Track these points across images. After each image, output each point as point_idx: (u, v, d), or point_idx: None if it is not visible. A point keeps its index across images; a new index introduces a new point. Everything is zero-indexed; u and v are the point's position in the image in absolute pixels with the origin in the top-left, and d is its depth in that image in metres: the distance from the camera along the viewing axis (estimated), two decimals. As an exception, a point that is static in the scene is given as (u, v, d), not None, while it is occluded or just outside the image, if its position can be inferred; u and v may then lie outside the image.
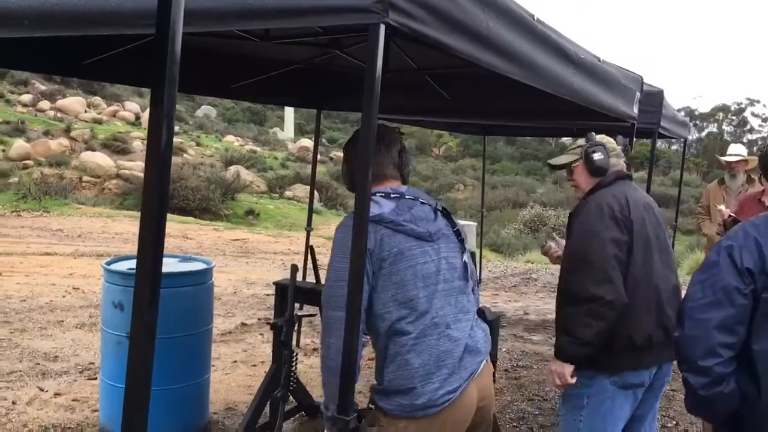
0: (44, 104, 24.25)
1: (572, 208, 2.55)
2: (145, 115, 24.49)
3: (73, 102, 24.96)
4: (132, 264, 3.56)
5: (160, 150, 1.13)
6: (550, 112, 3.59)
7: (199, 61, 3.20)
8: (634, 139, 3.70)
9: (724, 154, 5.48)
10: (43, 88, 26.20)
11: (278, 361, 3.17)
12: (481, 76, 2.76)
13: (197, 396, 3.67)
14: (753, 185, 5.14)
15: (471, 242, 9.02)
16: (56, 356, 4.88)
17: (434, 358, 1.86)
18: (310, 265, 3.86)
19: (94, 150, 20.13)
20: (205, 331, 3.68)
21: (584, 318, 2.23)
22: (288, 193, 20.76)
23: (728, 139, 43.61)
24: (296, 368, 3.12)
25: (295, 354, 3.09)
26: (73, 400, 4.06)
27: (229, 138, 28.46)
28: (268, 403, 3.31)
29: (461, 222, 2.28)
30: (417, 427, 1.85)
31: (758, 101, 52.50)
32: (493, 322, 2.53)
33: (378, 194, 1.97)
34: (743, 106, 51.39)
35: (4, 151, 18.88)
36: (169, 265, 3.62)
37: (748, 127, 51.20)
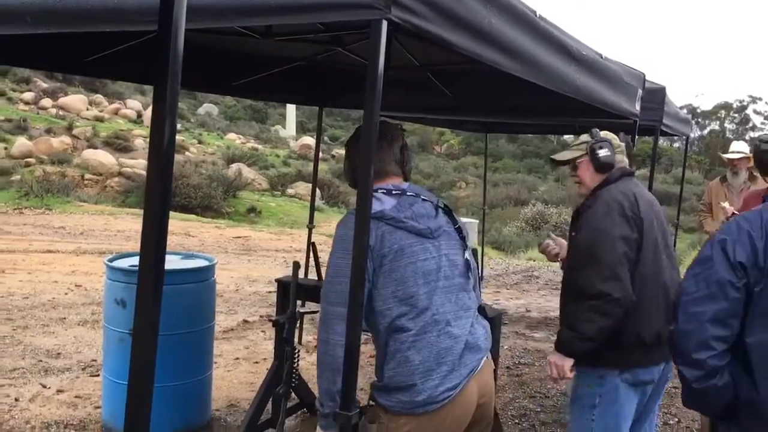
0: (46, 102, 24.26)
1: (575, 205, 2.55)
2: (147, 113, 24.52)
3: (75, 100, 24.97)
4: (134, 261, 3.56)
5: (162, 147, 1.13)
6: (552, 109, 3.58)
7: (201, 59, 3.20)
8: (636, 137, 3.70)
9: (726, 151, 5.47)
10: (45, 86, 26.20)
11: (280, 357, 3.18)
12: (483, 73, 2.75)
13: (199, 393, 3.68)
14: (755, 182, 5.12)
15: (473, 240, 9.03)
16: (59, 353, 4.89)
17: (434, 355, 1.86)
18: (312, 262, 3.87)
19: (96, 148, 20.15)
20: (208, 328, 3.69)
21: (588, 313, 2.23)
22: (290, 191, 20.76)
23: (730, 136, 43.50)
24: (298, 365, 3.13)
25: (297, 351, 3.10)
26: (76, 396, 4.07)
27: (231, 136, 28.46)
28: (271, 399, 3.32)
29: (463, 219, 2.28)
30: (417, 423, 1.85)
31: (760, 99, 52.26)
32: (494, 319, 2.53)
33: (380, 191, 1.97)
34: (745, 103, 51.29)
35: (6, 149, 18.89)
36: (171, 262, 3.63)
37: (751, 124, 51.09)
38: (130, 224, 12.52)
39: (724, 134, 47.17)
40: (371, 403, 1.93)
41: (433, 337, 1.87)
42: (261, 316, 6.30)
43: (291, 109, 34.17)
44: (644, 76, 3.53)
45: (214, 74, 3.69)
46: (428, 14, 1.60)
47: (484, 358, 1.99)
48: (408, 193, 2.01)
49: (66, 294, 6.82)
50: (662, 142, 29.67)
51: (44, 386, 4.21)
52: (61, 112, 23.63)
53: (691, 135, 6.86)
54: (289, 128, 34.29)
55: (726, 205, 4.41)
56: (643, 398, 2.41)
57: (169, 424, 3.43)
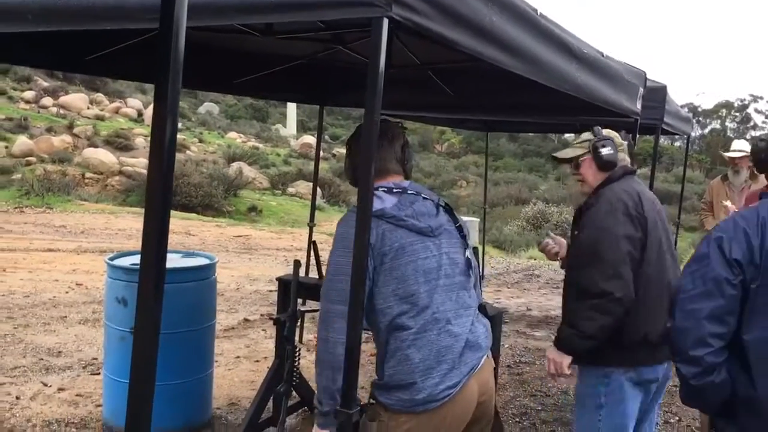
0: (47, 101, 24.26)
1: (577, 204, 2.54)
2: (148, 112, 24.52)
3: (76, 99, 24.97)
4: (135, 259, 3.57)
5: (164, 145, 1.13)
6: (553, 108, 3.59)
7: (201, 57, 3.20)
8: (637, 135, 3.69)
9: (727, 150, 5.46)
10: (45, 84, 26.21)
11: (281, 356, 3.18)
12: (484, 72, 2.75)
13: (200, 391, 3.68)
14: (756, 181, 5.12)
15: (473, 238, 9.02)
16: (60, 352, 4.89)
17: (434, 353, 1.86)
18: (312, 261, 3.87)
19: (96, 146, 20.15)
20: (209, 326, 3.69)
21: (589, 311, 2.24)
22: (290, 190, 20.76)
23: (731, 135, 43.47)
24: (299, 363, 3.13)
25: (297, 349, 3.10)
26: (77, 395, 4.07)
27: (232, 135, 28.46)
28: (271, 398, 3.32)
29: (464, 218, 2.28)
30: (417, 421, 1.85)
31: (761, 98, 52.31)
32: (495, 317, 2.53)
33: (380, 189, 1.97)
34: (746, 102, 51.24)
35: (7, 147, 18.90)
36: (172, 261, 3.63)
37: (752, 123, 51.02)
38: (130, 223, 12.52)
39: (725, 133, 47.13)
40: (371, 401, 1.93)
41: (434, 335, 1.87)
42: (262, 315, 6.30)
43: (292, 108, 34.16)
44: (645, 74, 3.53)
45: (215, 72, 3.69)
46: (429, 12, 1.60)
47: (485, 356, 1.99)
48: (409, 192, 2.01)
49: (67, 292, 6.83)
50: (663, 140, 29.62)
51: (45, 384, 4.22)
52: (61, 111, 23.63)
53: (692, 134, 6.85)
54: (290, 127, 34.29)
55: (728, 203, 4.41)
56: (646, 397, 2.41)
57: (171, 423, 3.43)
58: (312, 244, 3.70)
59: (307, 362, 4.54)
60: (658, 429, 3.93)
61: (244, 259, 9.81)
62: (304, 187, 20.18)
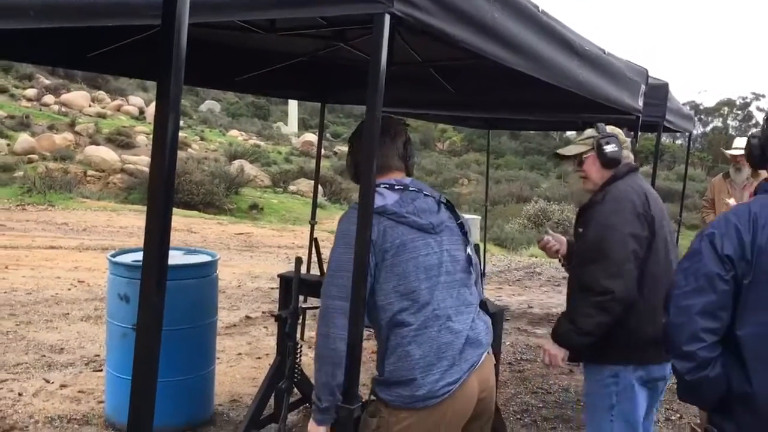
0: (49, 98, 24.28)
1: (580, 201, 2.54)
2: (149, 110, 24.54)
3: (78, 96, 24.99)
4: (137, 256, 3.57)
5: (166, 141, 1.13)
6: (554, 105, 3.58)
7: (203, 54, 3.19)
8: (639, 133, 3.69)
9: (729, 147, 5.45)
10: (47, 82, 26.22)
11: (283, 353, 3.19)
12: (486, 69, 2.75)
13: (202, 388, 3.69)
14: (758, 178, 5.11)
15: (474, 236, 9.02)
16: (62, 348, 4.90)
17: (435, 349, 1.86)
18: (314, 258, 3.87)
19: (98, 144, 20.17)
20: (210, 323, 3.70)
21: (588, 308, 2.24)
22: (292, 188, 20.77)
23: (733, 133, 43.40)
24: (300, 360, 3.13)
25: (299, 346, 3.10)
26: (79, 391, 4.08)
27: (233, 132, 28.47)
28: (273, 394, 3.33)
29: (465, 216, 2.29)
30: (418, 418, 1.85)
31: (764, 96, 52.16)
32: (496, 315, 2.53)
33: (382, 186, 1.97)
34: (748, 100, 51.19)
35: (9, 145, 18.93)
36: (174, 258, 3.63)
37: (754, 121, 50.88)
38: (132, 220, 12.54)
39: (726, 131, 47.07)
40: (372, 397, 1.93)
41: (434, 331, 1.87)
42: (263, 312, 6.31)
43: (293, 106, 34.16)
44: (647, 71, 3.52)
45: (217, 69, 3.69)
46: (431, 8, 1.60)
47: (485, 353, 1.99)
48: (410, 189, 2.01)
49: (69, 290, 6.84)
50: (665, 138, 29.53)
51: (48, 381, 4.23)
52: (63, 109, 23.65)
53: (694, 132, 6.84)
54: (291, 125, 34.28)
55: (732, 201, 4.41)
56: (653, 396, 2.41)
57: (173, 419, 3.44)
58: (313, 241, 3.70)
59: (308, 359, 4.54)
60: (659, 426, 3.94)
61: (246, 256, 9.82)
62: (305, 184, 20.19)
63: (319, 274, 3.61)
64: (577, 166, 2.55)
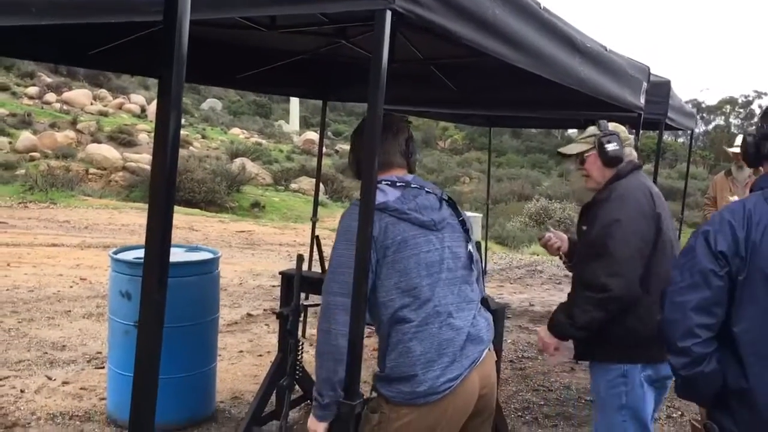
0: (50, 96, 24.30)
1: (582, 199, 2.54)
2: (151, 108, 24.53)
3: (79, 94, 25.00)
4: (139, 253, 3.58)
5: (167, 138, 1.14)
6: (556, 102, 3.57)
7: (204, 51, 3.20)
8: (641, 131, 3.68)
9: (731, 146, 5.45)
10: (49, 80, 26.24)
11: (284, 350, 3.19)
12: (487, 66, 2.75)
13: (204, 385, 3.70)
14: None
15: (476, 234, 9.02)
16: (64, 345, 4.91)
17: (436, 345, 1.86)
18: (316, 256, 3.87)
19: (100, 142, 20.18)
20: (212, 320, 3.70)
21: (585, 304, 2.26)
22: (293, 186, 20.77)
23: (735, 132, 43.29)
24: (302, 357, 3.13)
25: (300, 343, 3.11)
26: (81, 388, 4.09)
27: (235, 131, 28.48)
28: (274, 392, 3.33)
29: (467, 214, 2.29)
30: (419, 414, 1.85)
31: (766, 94, 51.92)
32: (497, 311, 2.53)
33: (384, 182, 1.97)
34: (751, 98, 51.01)
35: (11, 143, 18.95)
36: (175, 255, 3.64)
37: (756, 120, 50.75)
38: (134, 218, 12.54)
39: (729, 129, 46.94)
40: (373, 394, 1.93)
41: (435, 328, 1.88)
42: (265, 310, 6.32)
43: (295, 104, 34.17)
44: (649, 69, 3.51)
45: (218, 67, 3.70)
46: (432, 4, 1.60)
47: (486, 349, 2.00)
48: (412, 185, 2.01)
49: (71, 287, 6.85)
50: (667, 136, 29.46)
51: (50, 378, 4.24)
52: (65, 107, 23.67)
53: (696, 130, 6.83)
54: (293, 123, 34.29)
55: (734, 199, 4.40)
56: (660, 394, 2.41)
57: (174, 416, 3.45)
58: (315, 238, 3.70)
59: (309, 356, 4.55)
60: (661, 424, 3.94)
61: (247, 254, 9.83)
62: (306, 183, 20.19)
63: (320, 271, 3.62)
64: (579, 165, 2.55)
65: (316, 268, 4.03)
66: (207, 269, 3.65)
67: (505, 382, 4.52)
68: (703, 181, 24.14)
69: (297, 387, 3.33)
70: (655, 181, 4.07)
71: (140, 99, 26.91)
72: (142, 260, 1.19)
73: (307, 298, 3.70)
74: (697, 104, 47.56)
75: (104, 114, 23.91)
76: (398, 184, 1.99)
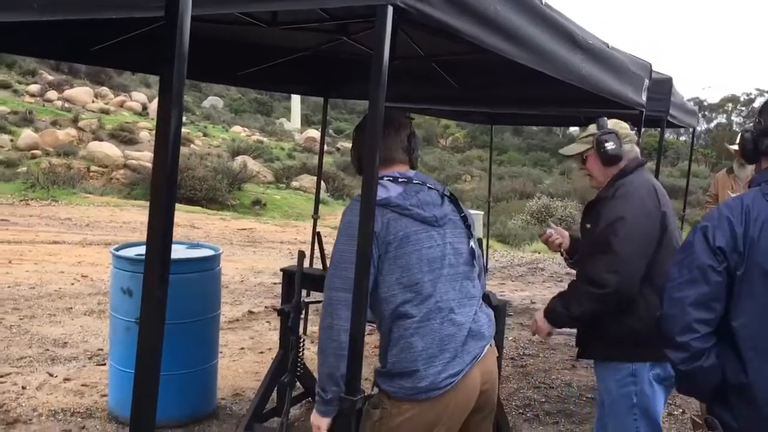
0: (52, 94, 24.29)
1: (582, 198, 2.55)
2: (152, 106, 24.52)
3: (81, 92, 24.99)
4: (140, 250, 3.58)
5: (169, 135, 1.14)
6: (557, 100, 3.57)
7: (205, 48, 3.19)
8: (642, 129, 3.68)
9: (733, 143, 5.44)
10: (50, 78, 26.24)
11: (285, 347, 3.19)
12: (489, 63, 2.75)
13: (205, 381, 3.70)
14: (762, 174, 5.10)
15: (478, 231, 9.03)
16: (65, 342, 4.92)
17: (437, 341, 1.86)
18: (317, 253, 3.87)
19: (101, 140, 20.18)
20: (213, 317, 3.71)
21: (582, 296, 2.29)
22: (294, 184, 20.77)
23: (737, 130, 43.19)
24: (303, 354, 3.14)
25: (302, 340, 3.11)
26: (82, 385, 4.10)
27: (236, 128, 28.47)
28: (276, 388, 3.34)
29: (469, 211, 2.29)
30: (420, 409, 1.85)
31: (768, 92, 51.90)
32: (499, 308, 2.54)
33: (385, 178, 1.97)
34: (753, 96, 50.88)
35: (12, 141, 18.95)
36: (176, 252, 3.64)
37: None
38: (135, 216, 12.55)
39: (731, 127, 46.88)
40: (375, 389, 1.94)
41: (437, 324, 1.88)
42: (266, 307, 6.32)
43: (296, 102, 34.17)
44: (650, 66, 3.51)
45: (220, 64, 3.70)
46: (434, 0, 1.59)
47: (488, 345, 2.00)
48: (414, 181, 2.01)
49: (72, 284, 6.86)
50: (668, 135, 29.45)
51: (51, 375, 4.24)
52: (66, 105, 23.66)
53: (698, 128, 6.83)
54: (294, 121, 34.29)
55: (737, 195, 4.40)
56: (668, 393, 2.41)
57: (176, 412, 3.46)
58: (316, 235, 3.71)
59: (311, 353, 4.56)
60: (662, 421, 3.94)
61: (249, 252, 9.83)
62: (308, 180, 20.19)
63: (321, 268, 3.62)
64: (581, 165, 2.56)
65: (317, 265, 4.04)
66: (208, 266, 3.65)
67: (506, 379, 4.52)
68: (705, 180, 24.11)
69: (298, 384, 3.33)
70: (656, 179, 4.08)
71: (142, 97, 26.91)
72: (144, 257, 1.19)
73: (308, 295, 3.70)
74: (699, 102, 47.51)
75: (106, 112, 23.90)
76: (400, 180, 2.00)
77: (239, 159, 20.75)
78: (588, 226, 2.46)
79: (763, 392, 1.61)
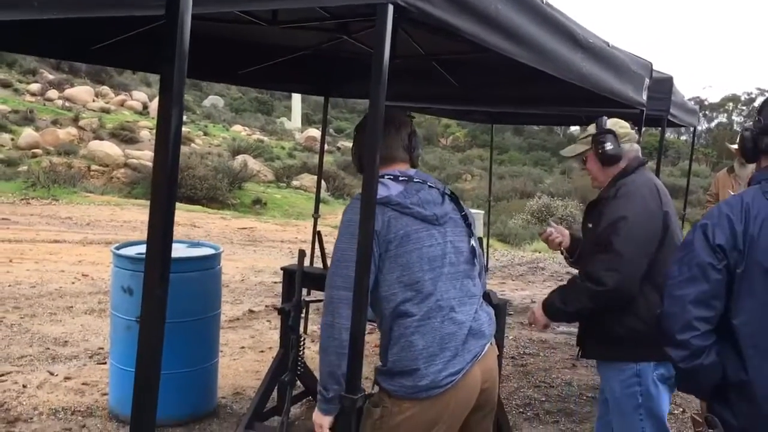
0: (52, 93, 24.29)
1: (583, 197, 2.55)
2: (153, 105, 24.53)
3: (81, 91, 25.00)
4: (141, 249, 3.58)
5: (169, 134, 1.14)
6: (558, 99, 3.57)
7: (206, 47, 3.19)
8: (643, 128, 3.68)
9: (733, 142, 5.44)
10: (51, 77, 26.24)
11: (286, 345, 3.19)
12: (489, 62, 2.75)
13: (205, 380, 3.70)
14: (763, 173, 5.09)
15: (478, 231, 9.03)
16: (66, 341, 4.93)
17: (438, 340, 1.86)
18: (317, 252, 3.87)
19: (102, 139, 20.19)
20: (213, 316, 3.71)
21: (579, 292, 2.30)
22: (295, 183, 20.77)
23: (738, 129, 43.15)
24: (304, 353, 3.14)
25: (302, 339, 3.11)
26: (83, 384, 4.10)
27: (237, 127, 28.47)
28: (276, 387, 3.34)
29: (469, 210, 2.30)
30: (421, 408, 1.85)
31: (769, 91, 51.84)
32: (499, 306, 2.54)
33: (386, 177, 1.97)
34: (754, 96, 50.80)
35: (13, 140, 18.96)
36: (177, 251, 3.64)
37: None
38: (136, 215, 12.56)
39: (731, 127, 46.85)
40: (375, 388, 1.94)
41: (437, 322, 1.88)
42: (266, 306, 6.32)
43: (296, 101, 34.16)
44: (651, 65, 3.51)
45: (220, 63, 3.70)
46: (435, -2, 1.59)
47: (488, 344, 2.00)
48: (415, 180, 2.01)
49: (73, 283, 6.86)
50: (669, 134, 29.48)
51: (52, 373, 4.25)
52: (67, 104, 23.66)
53: (699, 127, 6.83)
54: (295, 120, 34.28)
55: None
56: (672, 392, 2.41)
57: (176, 411, 3.46)
58: (317, 234, 3.71)
59: (311, 352, 4.56)
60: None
61: (249, 251, 9.84)
62: (308, 180, 20.19)
63: (321, 267, 3.62)
64: (582, 165, 2.57)
65: (318, 264, 4.04)
66: (209, 265, 3.65)
67: (506, 378, 4.52)
68: (706, 179, 24.11)
69: (298, 383, 3.34)
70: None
71: (142, 96, 26.91)
72: (144, 256, 1.19)
73: (308, 293, 3.70)
74: (699, 101, 47.42)
75: (106, 111, 23.90)
76: (401, 178, 2.00)
77: (240, 158, 20.75)
78: (590, 225, 2.46)
79: (763, 390, 1.61)
